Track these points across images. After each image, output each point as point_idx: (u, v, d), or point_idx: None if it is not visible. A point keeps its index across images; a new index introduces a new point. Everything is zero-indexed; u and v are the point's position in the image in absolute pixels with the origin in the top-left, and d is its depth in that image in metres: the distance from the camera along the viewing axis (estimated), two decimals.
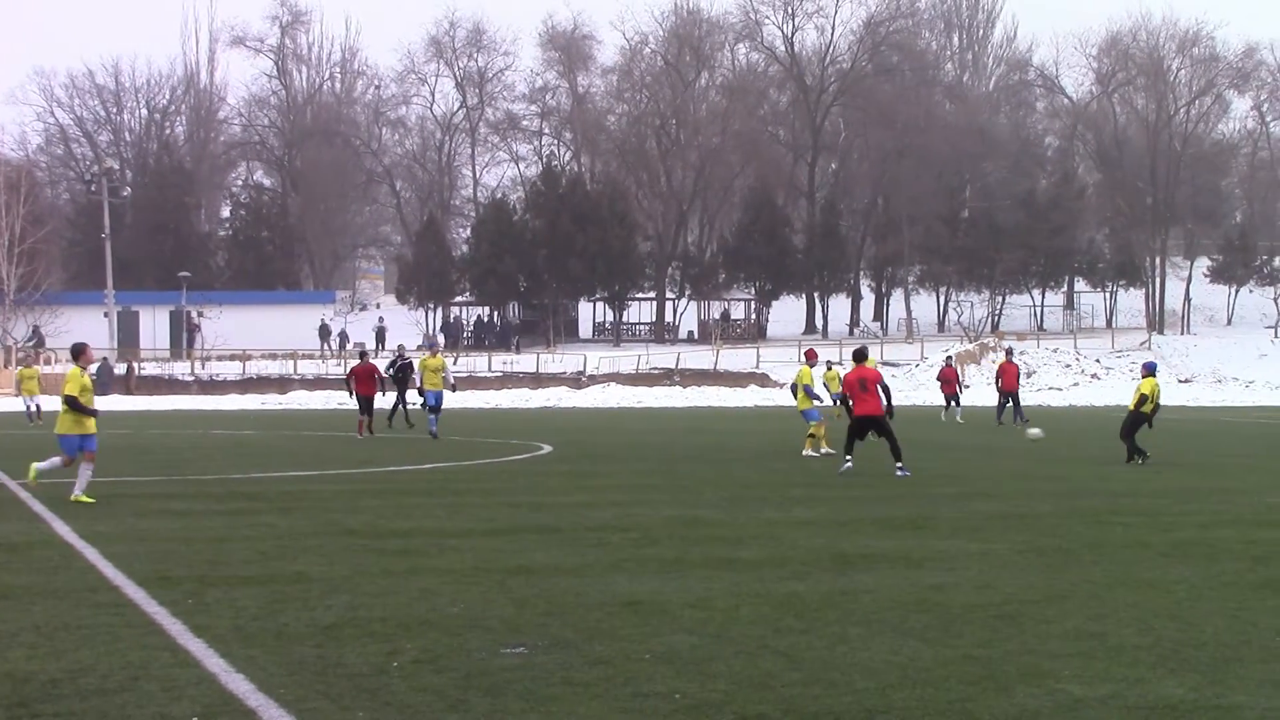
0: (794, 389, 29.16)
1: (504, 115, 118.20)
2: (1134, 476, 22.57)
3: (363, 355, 38.01)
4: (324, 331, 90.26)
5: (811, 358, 29.65)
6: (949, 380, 44.85)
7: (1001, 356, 50.11)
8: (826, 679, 8.00)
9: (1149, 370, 26.57)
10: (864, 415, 22.92)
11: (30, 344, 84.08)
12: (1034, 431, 31.55)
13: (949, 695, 7.63)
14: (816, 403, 28.41)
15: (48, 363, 68.31)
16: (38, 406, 45.00)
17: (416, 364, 37.95)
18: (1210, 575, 12.01)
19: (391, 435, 36.10)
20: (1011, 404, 42.00)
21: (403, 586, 11.18)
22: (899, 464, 22.58)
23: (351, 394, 35.99)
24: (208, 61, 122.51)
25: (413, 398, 38.75)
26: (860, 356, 23.91)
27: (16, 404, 55.67)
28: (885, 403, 23.22)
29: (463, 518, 16.26)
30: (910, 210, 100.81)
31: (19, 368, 49.58)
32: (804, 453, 28.11)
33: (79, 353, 18.33)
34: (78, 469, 17.79)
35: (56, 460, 18.18)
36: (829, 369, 33.87)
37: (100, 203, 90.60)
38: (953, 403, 44.06)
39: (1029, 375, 67.03)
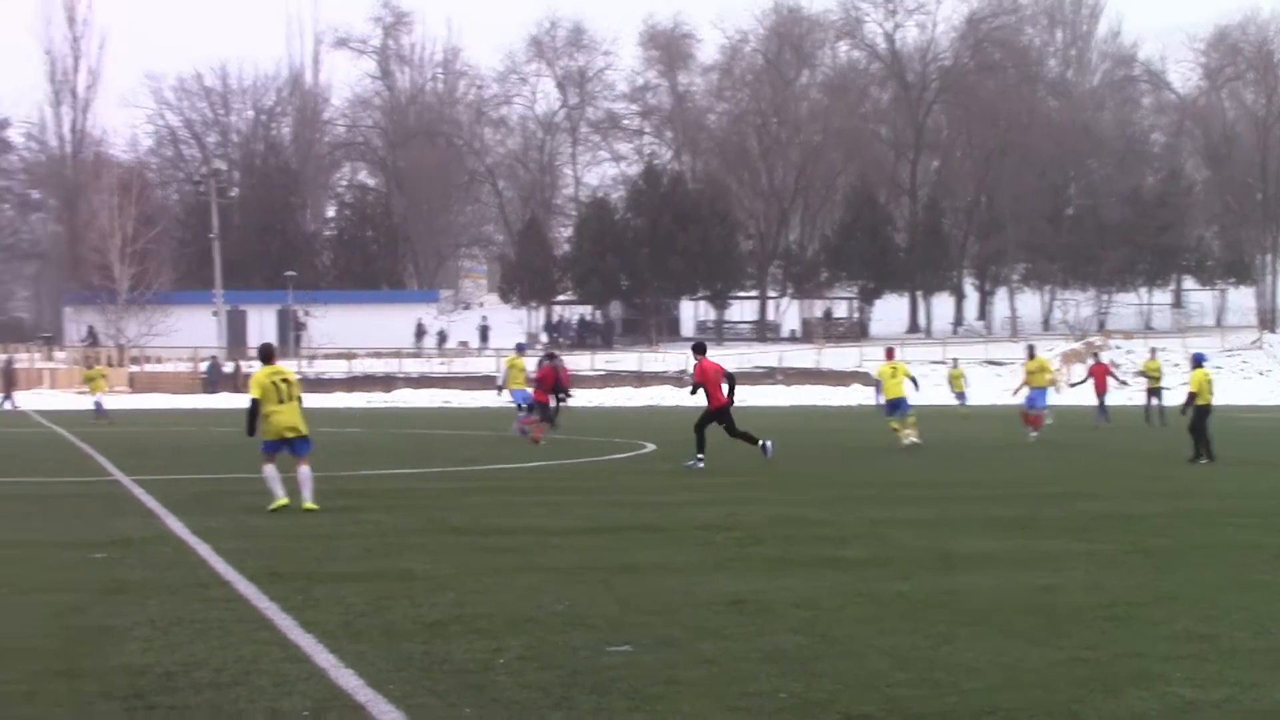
0: (878, 386, 31.59)
1: (605, 114, 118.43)
2: (1243, 477, 22.21)
3: (550, 357, 37.23)
4: (419, 331, 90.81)
5: (890, 355, 31.15)
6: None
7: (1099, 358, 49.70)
8: (932, 679, 7.95)
9: (1197, 361, 26.03)
10: (716, 408, 23.96)
11: (84, 343, 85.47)
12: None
13: (1057, 697, 7.56)
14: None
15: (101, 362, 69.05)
16: (98, 403, 45.90)
17: (502, 363, 38.05)
18: None
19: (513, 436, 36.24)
20: (1097, 404, 42.15)
21: (508, 584, 11.23)
22: (764, 442, 24.21)
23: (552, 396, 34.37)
24: (312, 63, 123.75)
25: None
26: (699, 350, 25.22)
27: (133, 402, 56.63)
28: (728, 394, 24.37)
29: (567, 516, 16.32)
30: (1014, 208, 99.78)
31: (85, 368, 50.28)
32: (905, 441, 29.21)
33: (267, 355, 17.99)
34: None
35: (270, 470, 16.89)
36: (954, 366, 38.07)
37: (209, 203, 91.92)
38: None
39: (1136, 374, 66.20)
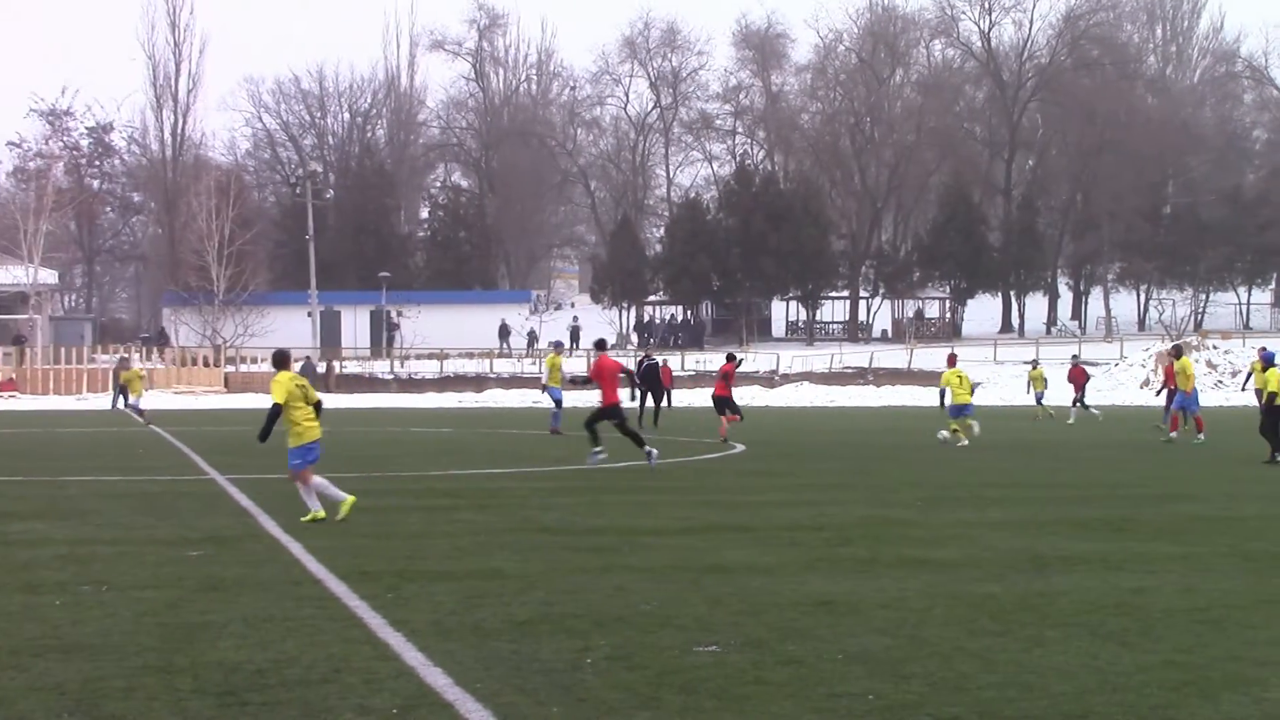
0: (941, 393, 32.03)
1: (698, 115, 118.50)
2: None
3: (730, 358, 37.48)
4: (504, 331, 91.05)
5: (952, 362, 32.74)
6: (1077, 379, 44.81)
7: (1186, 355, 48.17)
8: (1022, 682, 7.88)
9: (1268, 361, 25.58)
10: (608, 405, 24.08)
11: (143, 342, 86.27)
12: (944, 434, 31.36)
13: (1150, 701, 7.47)
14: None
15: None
16: (129, 404, 45.96)
17: (543, 362, 38.74)
18: None
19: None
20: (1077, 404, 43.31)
21: (596, 584, 11.26)
22: (650, 450, 23.86)
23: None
24: (408, 65, 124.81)
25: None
26: (600, 346, 25.87)
27: (226, 401, 57.38)
28: (631, 392, 24.69)
29: (656, 516, 16.33)
30: (1110, 207, 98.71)
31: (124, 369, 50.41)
32: (959, 442, 30.68)
33: (283, 361, 17.62)
34: None
35: None
36: (1034, 368, 42.35)
37: (305, 205, 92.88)
38: (1078, 403, 44.49)
39: (1233, 375, 65.22)
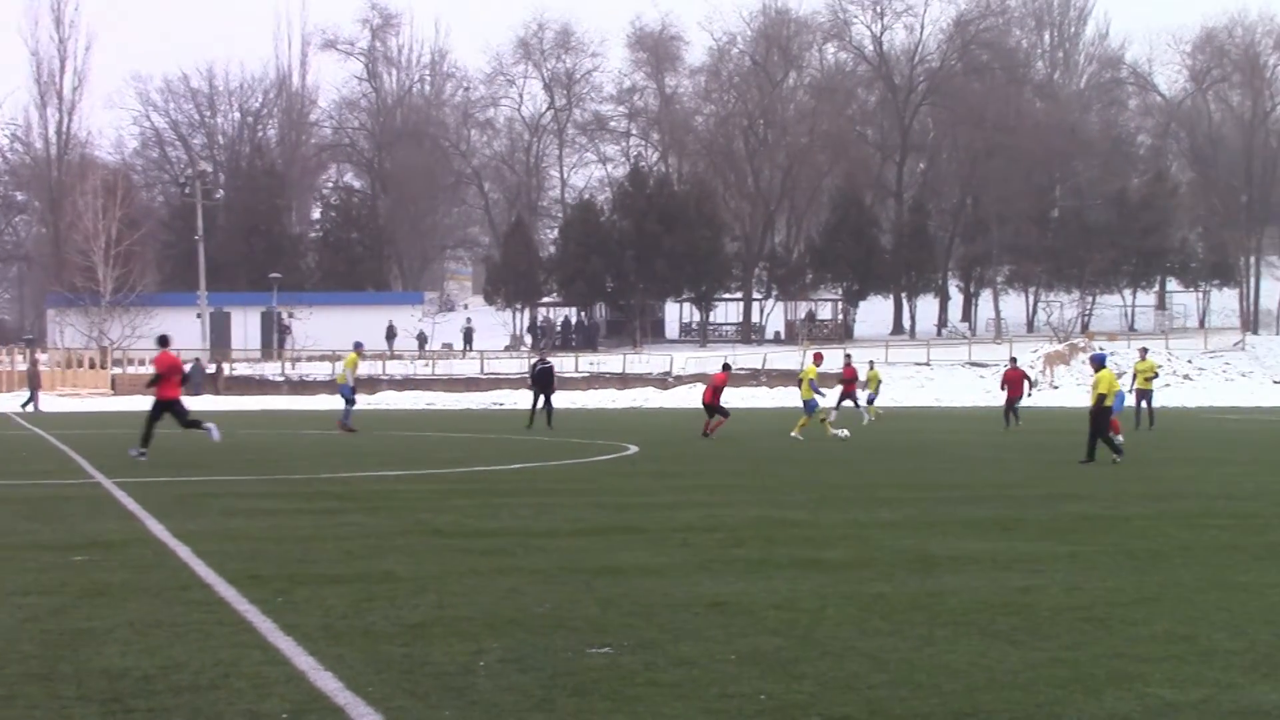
0: (799, 382, 35.54)
1: (592, 116, 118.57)
2: (1225, 478, 22.26)
3: (725, 367, 38.47)
4: (391, 333, 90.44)
5: (818, 359, 37.03)
6: (848, 380, 44.53)
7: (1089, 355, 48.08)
8: (913, 681, 7.96)
9: (1099, 363, 25.82)
10: (167, 400, 25.48)
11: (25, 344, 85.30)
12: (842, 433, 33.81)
13: (1037, 698, 7.57)
14: (818, 397, 35.29)
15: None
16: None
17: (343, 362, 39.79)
18: None
19: (519, 437, 36.28)
20: (1011, 409, 40.92)
21: (489, 586, 11.22)
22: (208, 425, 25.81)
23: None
24: (299, 65, 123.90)
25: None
26: (163, 343, 27.26)
27: (112, 404, 56.66)
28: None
29: (549, 517, 16.31)
30: (999, 210, 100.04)
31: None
32: (791, 434, 34.08)
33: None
34: None
35: None
36: (871, 368, 42.61)
37: (194, 205, 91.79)
38: (848, 401, 44.30)
39: (1119, 376, 66.39)
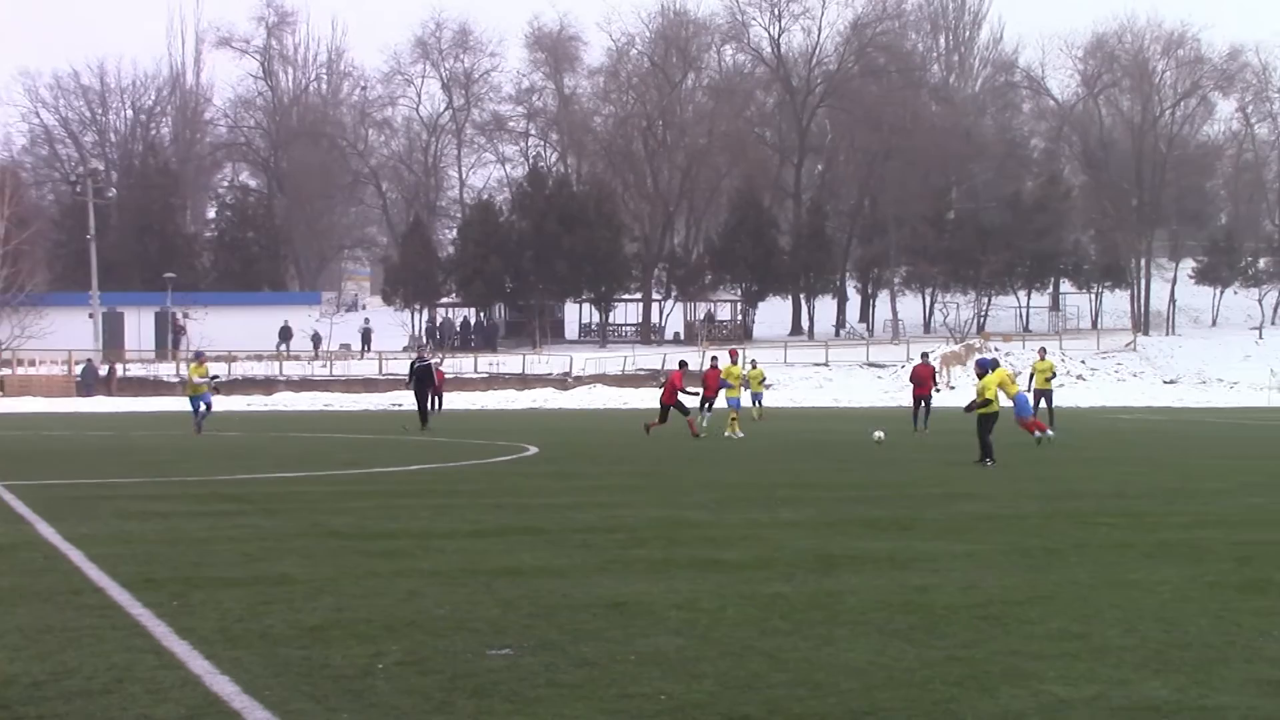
0: (723, 383, 36.85)
1: (490, 116, 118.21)
2: (1118, 477, 22.59)
3: (682, 364, 38.60)
4: (285, 333, 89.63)
5: (734, 355, 38.09)
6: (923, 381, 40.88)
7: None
8: (812, 680, 8.00)
9: (985, 367, 25.77)
10: None
11: None
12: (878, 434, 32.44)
13: (933, 696, 7.64)
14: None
15: None
16: None
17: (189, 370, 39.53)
18: (1194, 576, 12.03)
19: (418, 439, 36.10)
20: (923, 408, 38.70)
21: (388, 588, 11.16)
22: None
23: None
24: (194, 63, 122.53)
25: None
26: None
27: (4, 406, 55.71)
28: None
29: (449, 519, 16.24)
30: (896, 211, 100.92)
31: None
32: (725, 434, 35.17)
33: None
34: None
35: None
36: (754, 367, 41.23)
37: (85, 204, 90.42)
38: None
39: (1014, 377, 67.09)
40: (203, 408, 38.37)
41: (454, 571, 12.06)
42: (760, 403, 46.78)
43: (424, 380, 40.04)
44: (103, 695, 7.59)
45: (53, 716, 7.18)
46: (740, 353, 36.57)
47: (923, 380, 39.07)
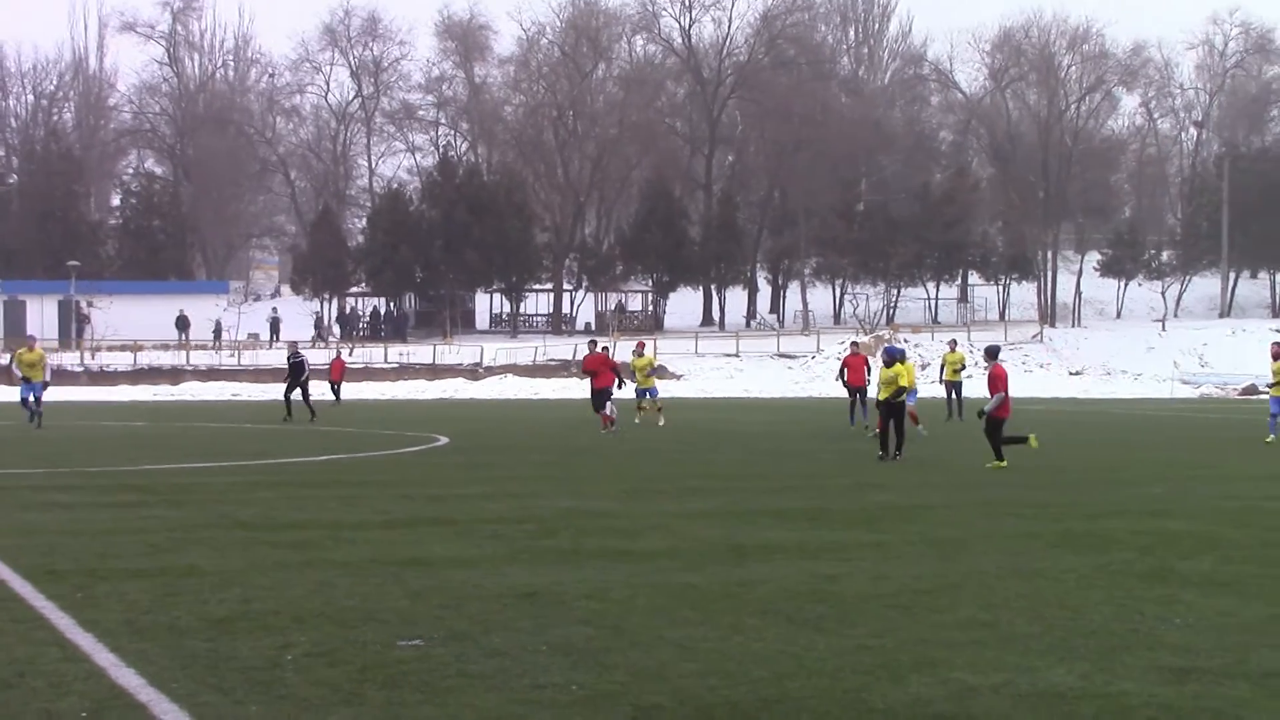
0: (634, 373, 37.57)
1: (400, 105, 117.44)
2: (1026, 467, 22.83)
3: (593, 344, 38.01)
4: (182, 323, 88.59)
5: (641, 348, 38.77)
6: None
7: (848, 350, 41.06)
8: (722, 670, 8.02)
9: (894, 357, 25.01)
10: None
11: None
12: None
13: (844, 685, 7.69)
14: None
15: None
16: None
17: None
18: (1099, 565, 12.19)
19: (290, 427, 35.84)
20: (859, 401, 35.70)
21: (297, 579, 11.08)
22: None
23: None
24: (97, 47, 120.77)
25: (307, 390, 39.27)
26: None
27: None
28: None
29: (358, 510, 16.15)
30: (806, 203, 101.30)
31: None
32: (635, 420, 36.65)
33: None
34: None
35: None
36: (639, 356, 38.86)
37: None
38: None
39: (923, 368, 67.58)
40: (31, 397, 35.60)
41: (363, 562, 12.00)
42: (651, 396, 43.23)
43: (296, 373, 40.45)
44: (3, 689, 7.49)
45: None
46: (648, 344, 36.55)
47: (855, 369, 36.19)
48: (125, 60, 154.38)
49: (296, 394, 40.15)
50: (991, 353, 25.13)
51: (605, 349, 38.37)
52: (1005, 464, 22.76)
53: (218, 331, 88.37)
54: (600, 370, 34.81)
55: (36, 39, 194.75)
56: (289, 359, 41.59)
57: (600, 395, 34.28)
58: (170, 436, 32.19)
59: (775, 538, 13.80)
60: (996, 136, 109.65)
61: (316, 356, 62.71)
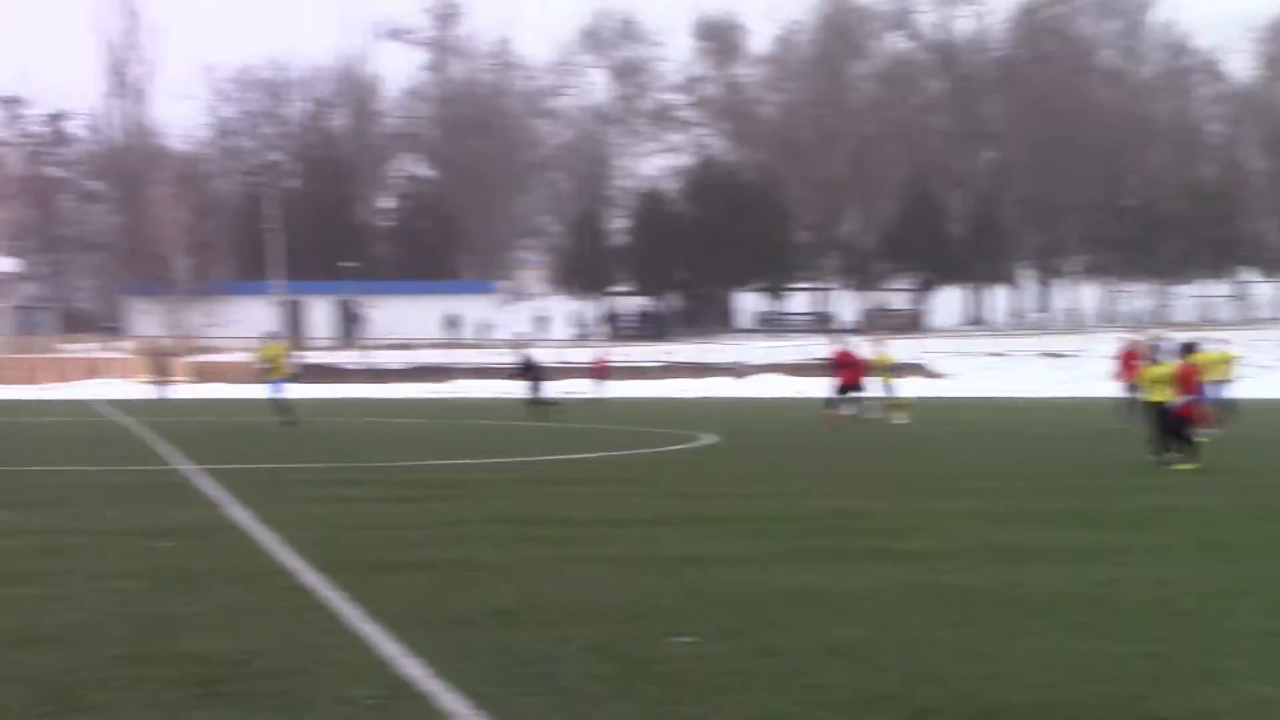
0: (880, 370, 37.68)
1: (657, 105, 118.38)
2: None
3: (841, 340, 38.92)
4: (452, 322, 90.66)
5: (880, 346, 39.29)
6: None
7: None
8: (999, 673, 7.91)
9: (1184, 351, 24.54)
10: None
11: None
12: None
13: (1126, 692, 7.51)
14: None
15: None
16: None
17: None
18: None
19: (552, 425, 36.42)
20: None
21: (569, 574, 11.25)
22: None
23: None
24: (366, 54, 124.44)
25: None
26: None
27: (192, 391, 57.06)
28: None
29: (626, 507, 16.34)
30: (1070, 199, 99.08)
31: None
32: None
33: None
34: None
35: None
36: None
37: (264, 194, 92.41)
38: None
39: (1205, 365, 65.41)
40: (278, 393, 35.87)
41: (633, 558, 12.13)
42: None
43: (531, 374, 41.99)
44: (298, 674, 7.76)
45: (252, 694, 7.36)
46: (890, 342, 36.26)
47: (845, 366, 35.11)
48: (393, 66, 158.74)
49: (538, 393, 41.10)
50: (1184, 349, 24.13)
51: (854, 346, 37.68)
52: (1197, 466, 21.82)
53: (487, 330, 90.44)
54: (848, 366, 34.41)
55: (311, 48, 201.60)
56: (520, 362, 42.97)
57: (845, 390, 34.08)
58: (442, 433, 32.99)
59: (1047, 539, 13.55)
60: (1271, 128, 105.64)
61: (576, 356, 63.72)
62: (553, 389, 43.60)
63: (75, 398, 57.81)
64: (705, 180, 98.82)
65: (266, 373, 36.22)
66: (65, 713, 7.02)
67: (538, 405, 40.60)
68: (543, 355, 48.98)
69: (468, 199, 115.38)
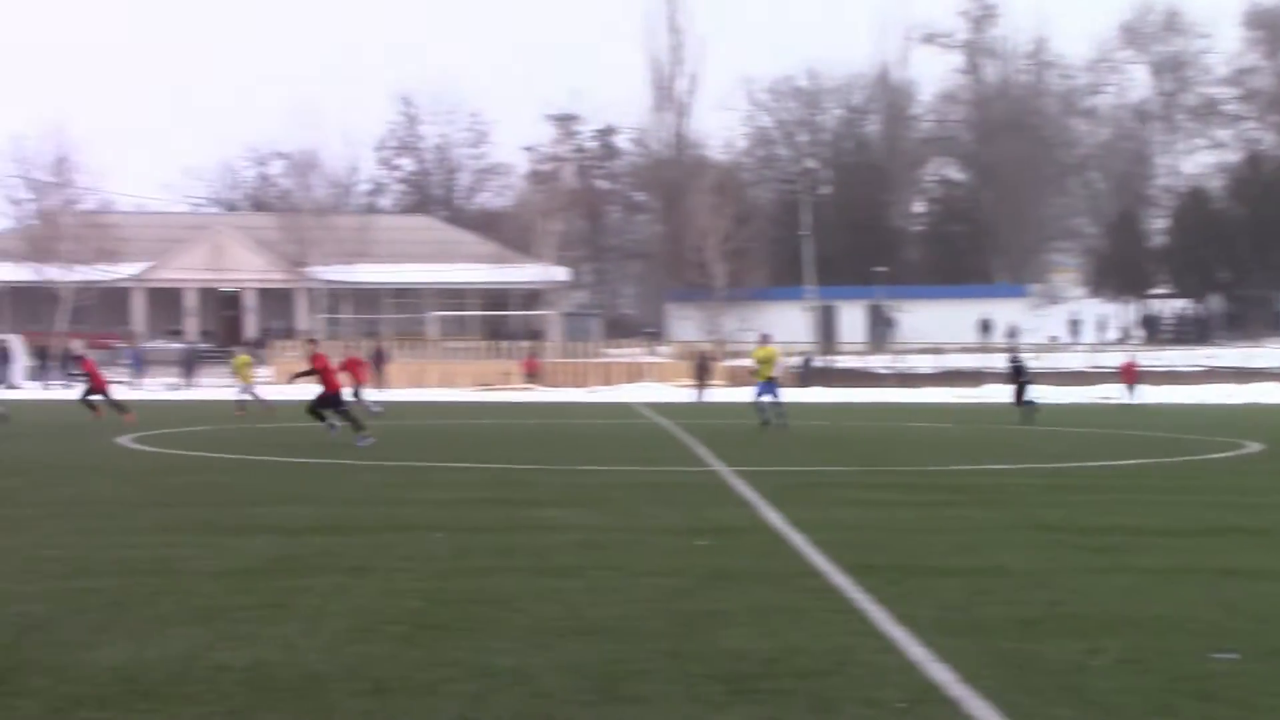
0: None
1: (1202, 100, 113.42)
2: None
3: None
4: (985, 326, 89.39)
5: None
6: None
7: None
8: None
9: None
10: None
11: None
12: None
13: None
14: None
15: None
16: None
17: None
18: None
19: (1128, 433, 35.55)
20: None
21: (1103, 584, 10.99)
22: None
23: None
24: (900, 59, 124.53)
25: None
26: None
27: (728, 395, 58.68)
28: None
29: (1163, 515, 15.81)
30: None
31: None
32: None
33: None
34: None
35: None
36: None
37: (799, 202, 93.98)
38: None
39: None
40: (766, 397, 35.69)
41: (1172, 569, 11.74)
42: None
43: (1017, 377, 42.26)
44: (828, 675, 7.91)
45: (783, 692, 7.56)
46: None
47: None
48: (926, 70, 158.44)
49: (1023, 396, 40.93)
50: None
51: None
52: None
53: (1014, 334, 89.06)
54: None
55: (846, 56, 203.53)
56: (1010, 362, 43.68)
57: None
58: (975, 438, 32.74)
59: None
60: None
61: (1106, 360, 61.74)
62: (1037, 392, 43.24)
63: (618, 400, 60.38)
64: (1252, 176, 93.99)
65: (756, 374, 36.62)
66: (607, 701, 7.39)
67: (1023, 408, 40.62)
68: (1044, 360, 48.81)
69: (1001, 201, 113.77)
